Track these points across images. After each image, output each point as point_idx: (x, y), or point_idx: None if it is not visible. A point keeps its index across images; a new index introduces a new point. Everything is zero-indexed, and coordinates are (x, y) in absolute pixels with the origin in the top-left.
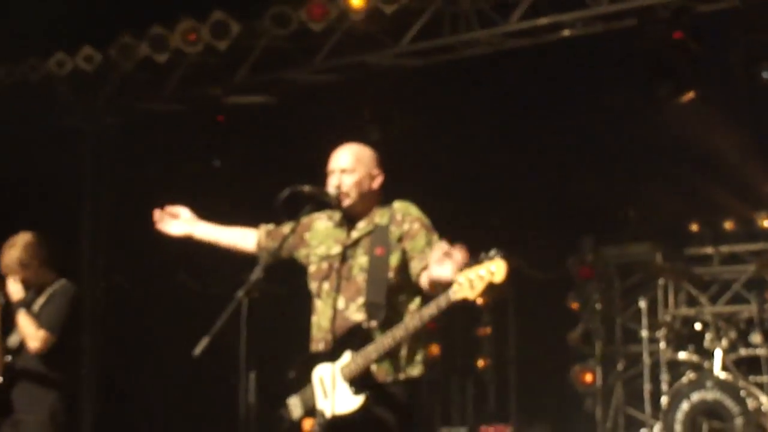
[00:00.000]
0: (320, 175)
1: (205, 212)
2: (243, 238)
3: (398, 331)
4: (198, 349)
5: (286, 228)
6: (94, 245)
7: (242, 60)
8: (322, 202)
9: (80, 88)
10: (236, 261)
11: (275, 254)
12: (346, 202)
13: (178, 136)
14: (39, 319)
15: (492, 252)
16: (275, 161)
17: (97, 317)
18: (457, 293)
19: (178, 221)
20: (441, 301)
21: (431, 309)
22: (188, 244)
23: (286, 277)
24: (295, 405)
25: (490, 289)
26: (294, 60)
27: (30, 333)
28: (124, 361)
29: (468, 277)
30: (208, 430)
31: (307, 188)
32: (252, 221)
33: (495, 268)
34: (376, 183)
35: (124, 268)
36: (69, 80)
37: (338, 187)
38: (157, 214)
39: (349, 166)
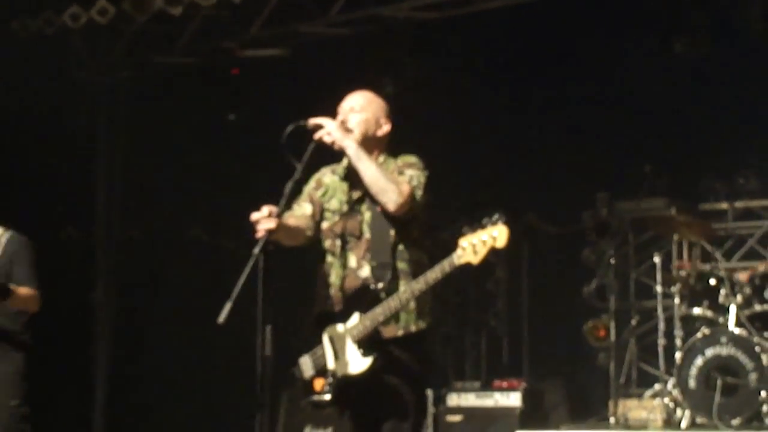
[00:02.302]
0: None
1: (219, 165)
2: (298, 223)
3: (405, 294)
4: (222, 316)
5: (304, 195)
6: (108, 199)
7: (257, 13)
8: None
9: (94, 42)
10: (250, 214)
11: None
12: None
13: (192, 89)
14: (15, 278)
15: (495, 217)
16: (290, 115)
17: (110, 271)
18: (461, 258)
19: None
20: (445, 266)
21: (435, 273)
22: (202, 198)
23: None
24: (306, 364)
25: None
26: (309, 13)
27: (31, 295)
28: (137, 315)
29: (471, 242)
30: (224, 383)
31: (311, 122)
32: (266, 175)
33: (497, 233)
34: (382, 131)
35: (138, 222)
36: (83, 33)
37: (343, 122)
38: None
39: (358, 105)
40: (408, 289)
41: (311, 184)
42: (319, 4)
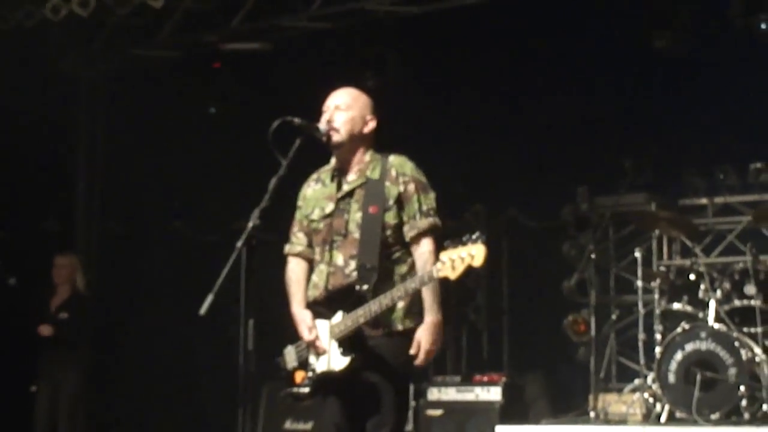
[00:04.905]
0: (315, 121)
1: (200, 158)
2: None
3: (384, 300)
4: (203, 308)
5: (297, 222)
6: (88, 192)
7: (238, 6)
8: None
9: (75, 34)
10: (230, 208)
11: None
12: (336, 138)
13: (173, 82)
14: None
15: (475, 235)
16: (271, 108)
17: (90, 263)
18: (440, 272)
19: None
20: (424, 278)
21: (415, 283)
22: (182, 191)
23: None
24: (290, 355)
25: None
26: (290, 6)
27: None
28: (118, 309)
29: (450, 257)
30: (206, 377)
31: (297, 121)
32: (246, 168)
33: (475, 252)
34: (368, 128)
35: (118, 215)
36: (64, 26)
37: (329, 122)
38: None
39: (344, 104)
40: (389, 295)
41: (299, 203)
42: None
